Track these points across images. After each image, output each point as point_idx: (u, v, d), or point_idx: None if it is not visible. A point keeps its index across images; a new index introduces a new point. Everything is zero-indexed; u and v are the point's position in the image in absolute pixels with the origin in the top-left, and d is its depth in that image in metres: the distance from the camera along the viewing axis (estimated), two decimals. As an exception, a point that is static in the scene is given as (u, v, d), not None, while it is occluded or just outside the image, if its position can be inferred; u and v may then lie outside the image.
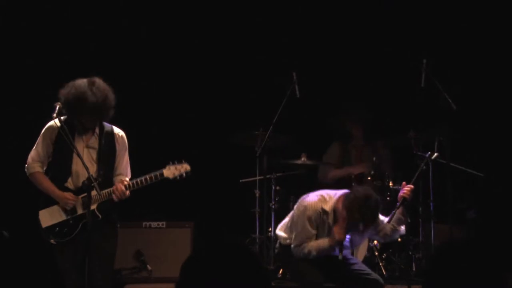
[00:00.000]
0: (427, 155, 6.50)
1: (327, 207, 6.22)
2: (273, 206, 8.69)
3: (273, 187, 8.77)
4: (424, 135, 8.24)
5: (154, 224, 8.18)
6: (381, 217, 6.38)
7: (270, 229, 8.62)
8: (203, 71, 9.61)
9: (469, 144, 8.90)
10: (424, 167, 6.51)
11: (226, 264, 2.65)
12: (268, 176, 8.56)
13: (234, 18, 9.62)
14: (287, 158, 8.59)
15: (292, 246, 6.29)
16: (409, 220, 6.48)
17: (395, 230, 6.41)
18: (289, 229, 6.48)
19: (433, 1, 9.51)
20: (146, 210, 8.37)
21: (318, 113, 9.35)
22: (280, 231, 6.58)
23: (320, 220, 6.20)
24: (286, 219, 6.64)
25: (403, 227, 6.47)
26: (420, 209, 8.56)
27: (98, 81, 5.92)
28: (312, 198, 6.29)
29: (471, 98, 8.88)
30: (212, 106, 9.59)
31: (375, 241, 8.20)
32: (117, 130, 6.11)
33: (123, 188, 5.87)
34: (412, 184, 6.37)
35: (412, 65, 7.85)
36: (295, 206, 6.47)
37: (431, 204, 8.51)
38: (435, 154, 6.39)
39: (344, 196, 6.15)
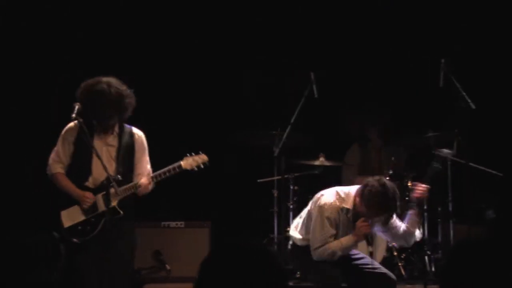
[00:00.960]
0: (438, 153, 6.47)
1: (347, 204, 6.17)
2: (291, 206, 8.70)
3: (291, 187, 8.78)
4: (443, 134, 8.23)
5: (172, 224, 8.20)
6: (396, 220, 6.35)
7: (288, 228, 8.45)
8: (222, 70, 9.60)
9: (488, 144, 8.87)
10: (439, 166, 6.44)
11: (243, 264, 2.65)
12: (286, 176, 8.55)
13: (254, 17, 9.62)
14: (305, 158, 8.62)
15: (313, 248, 6.18)
16: (420, 224, 6.41)
17: (409, 233, 6.35)
18: (304, 229, 6.41)
19: (451, 1, 9.47)
20: (165, 210, 8.41)
21: (336, 113, 9.35)
22: (294, 232, 6.53)
23: (339, 219, 6.15)
24: (299, 219, 6.59)
25: (418, 232, 6.41)
26: (439, 209, 8.57)
27: (115, 80, 6.00)
28: (328, 197, 6.23)
29: (490, 97, 8.83)
30: (230, 106, 9.59)
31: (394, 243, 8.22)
32: (136, 131, 6.19)
33: (146, 182, 5.96)
34: (426, 184, 6.31)
35: (430, 65, 7.85)
36: (311, 207, 6.39)
37: (449, 204, 8.50)
38: (446, 151, 6.35)
39: (361, 191, 6.08)
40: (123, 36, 9.43)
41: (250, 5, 9.58)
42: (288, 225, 8.54)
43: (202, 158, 6.09)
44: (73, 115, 5.83)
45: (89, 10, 9.22)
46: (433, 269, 8.34)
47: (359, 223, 6.07)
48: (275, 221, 8.60)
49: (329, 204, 6.17)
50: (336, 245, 6.08)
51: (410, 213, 6.32)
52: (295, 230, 6.53)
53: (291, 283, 7.88)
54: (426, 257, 8.40)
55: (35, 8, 8.99)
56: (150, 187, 6.02)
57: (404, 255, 8.41)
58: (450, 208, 8.50)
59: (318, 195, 6.37)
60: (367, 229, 6.07)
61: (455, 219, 8.43)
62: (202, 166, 6.08)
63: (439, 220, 8.63)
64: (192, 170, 6.06)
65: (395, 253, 8.19)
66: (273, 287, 2.66)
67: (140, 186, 5.94)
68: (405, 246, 6.79)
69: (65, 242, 5.91)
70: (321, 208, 6.18)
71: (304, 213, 6.54)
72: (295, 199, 8.74)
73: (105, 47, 9.30)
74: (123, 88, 5.99)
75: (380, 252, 8.00)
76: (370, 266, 6.29)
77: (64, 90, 8.60)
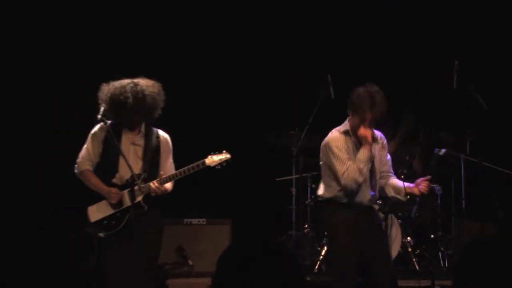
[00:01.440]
0: (435, 151, 6.49)
1: (346, 127, 6.19)
2: (308, 204, 8.82)
3: (309, 185, 8.90)
4: (456, 135, 8.35)
5: (194, 221, 8.36)
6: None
7: (305, 225, 8.78)
8: (241, 71, 9.69)
9: (500, 144, 8.96)
10: (435, 163, 6.52)
11: (260, 258, 2.73)
12: (303, 174, 8.70)
13: (272, 19, 9.72)
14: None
15: (340, 177, 6.04)
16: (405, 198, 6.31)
17: (391, 186, 6.33)
18: (325, 179, 6.28)
19: (465, 3, 9.55)
20: (187, 208, 8.47)
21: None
22: (319, 190, 6.37)
23: (346, 145, 6.13)
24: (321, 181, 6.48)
25: (392, 194, 6.36)
26: (452, 206, 8.68)
27: (145, 82, 6.07)
28: (328, 135, 6.25)
29: (502, 98, 8.93)
30: (250, 107, 9.67)
31: (409, 237, 8.35)
32: (162, 133, 6.27)
33: (157, 184, 5.99)
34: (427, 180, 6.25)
35: (444, 67, 7.93)
36: (320, 157, 6.33)
37: (463, 202, 8.61)
38: (443, 150, 6.37)
39: (349, 103, 6.17)
40: (144, 36, 9.50)
41: (274, 5, 9.69)
42: (306, 222, 8.77)
43: (225, 156, 6.16)
44: (99, 116, 5.90)
45: (89, 10, 9.26)
46: (446, 264, 8.45)
47: (360, 132, 6.08)
48: (293, 218, 8.69)
49: (331, 136, 6.19)
50: (356, 163, 6.03)
51: (408, 184, 6.26)
52: (319, 189, 6.38)
53: (308, 278, 7.98)
54: (440, 253, 8.52)
55: (35, 8, 9.01)
56: (169, 187, 6.11)
57: (418, 251, 8.51)
58: (463, 206, 8.61)
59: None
60: (368, 131, 6.06)
61: (468, 217, 8.55)
62: (225, 164, 6.15)
63: (452, 217, 8.74)
64: (215, 167, 6.12)
65: (410, 249, 8.30)
66: (290, 282, 2.71)
67: (151, 189, 6.00)
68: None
69: (91, 235, 6.09)
70: (327, 144, 6.18)
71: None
72: (312, 197, 8.82)
73: (123, 47, 9.35)
74: (151, 90, 6.05)
75: (395, 248, 8.14)
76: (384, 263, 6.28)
77: (64, 90, 8.99)
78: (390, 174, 6.38)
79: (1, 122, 8.80)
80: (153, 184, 5.99)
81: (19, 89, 9.02)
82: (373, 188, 6.23)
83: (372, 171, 6.19)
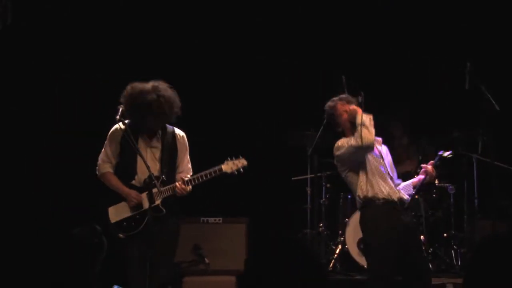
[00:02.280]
0: (440, 153, 6.57)
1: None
2: (323, 203, 8.90)
3: (324, 185, 8.97)
4: (468, 134, 8.38)
5: (211, 219, 8.37)
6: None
7: (320, 224, 8.84)
8: (257, 72, 9.70)
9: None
10: (438, 162, 6.59)
11: (285, 258, 2.74)
12: (319, 174, 8.76)
13: (286, 20, 9.73)
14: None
15: (351, 144, 6.19)
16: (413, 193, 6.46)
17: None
18: (353, 183, 6.35)
19: (478, 4, 9.55)
20: (204, 207, 8.48)
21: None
22: (357, 193, 6.32)
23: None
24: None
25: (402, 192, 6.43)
26: (465, 205, 8.71)
27: (163, 84, 6.08)
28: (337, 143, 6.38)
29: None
30: (266, 107, 9.68)
31: (422, 236, 8.27)
32: (178, 131, 6.31)
33: (183, 185, 6.07)
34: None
35: (456, 68, 7.92)
36: (339, 168, 6.45)
37: (475, 200, 8.64)
38: (447, 153, 6.45)
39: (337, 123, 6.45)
40: (176, 39, 9.52)
41: (287, 5, 9.70)
42: (321, 221, 8.81)
43: (242, 162, 6.23)
44: (117, 117, 5.94)
45: (89, 10, 9.23)
46: (459, 263, 8.48)
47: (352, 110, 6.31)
48: (308, 217, 8.72)
49: (340, 141, 6.34)
50: (358, 129, 6.17)
51: (415, 178, 6.47)
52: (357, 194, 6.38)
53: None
54: (453, 252, 8.58)
55: (35, 8, 8.98)
56: (188, 189, 6.14)
57: (431, 249, 8.56)
58: (476, 205, 8.64)
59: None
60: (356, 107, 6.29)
61: (480, 215, 8.59)
62: (241, 170, 6.23)
63: (465, 216, 8.76)
64: (232, 173, 6.21)
65: (423, 247, 8.25)
66: (312, 279, 2.74)
67: (177, 189, 6.08)
68: None
69: (110, 236, 5.95)
70: (336, 148, 6.34)
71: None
72: (327, 196, 8.95)
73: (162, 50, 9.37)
74: (171, 92, 6.08)
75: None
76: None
77: (64, 90, 8.99)
78: (398, 182, 6.47)
79: (1, 122, 8.78)
80: (179, 184, 6.05)
81: (19, 89, 9.01)
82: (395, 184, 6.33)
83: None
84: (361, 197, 6.26)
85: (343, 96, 6.47)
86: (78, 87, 9.15)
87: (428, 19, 9.67)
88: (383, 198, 6.19)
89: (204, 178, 6.13)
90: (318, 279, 2.79)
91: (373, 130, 6.18)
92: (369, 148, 6.18)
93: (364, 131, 6.12)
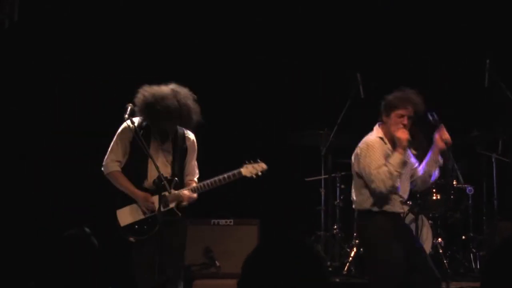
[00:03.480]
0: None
1: (378, 135, 6.09)
2: (337, 204, 8.80)
3: (338, 186, 8.87)
4: (487, 134, 8.29)
5: (222, 221, 8.31)
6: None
7: (335, 226, 8.73)
8: (271, 72, 9.64)
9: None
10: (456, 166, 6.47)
11: (286, 260, 2.64)
12: (333, 175, 8.67)
13: (300, 19, 9.66)
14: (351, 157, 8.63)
15: (370, 180, 5.92)
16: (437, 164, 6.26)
17: (428, 172, 6.26)
18: (357, 188, 6.19)
19: (497, 1, 9.45)
20: (215, 209, 8.42)
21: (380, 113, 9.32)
22: (353, 196, 6.29)
23: (381, 148, 6.03)
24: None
25: (437, 171, 6.30)
26: (484, 207, 8.59)
27: (182, 89, 5.99)
28: (363, 141, 6.13)
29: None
30: (279, 106, 9.62)
31: (439, 239, 8.24)
32: (188, 133, 6.21)
33: (187, 195, 5.99)
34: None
35: (475, 65, 7.84)
36: (353, 165, 6.21)
37: (495, 201, 8.51)
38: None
39: (382, 107, 6.12)
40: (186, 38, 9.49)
41: (299, 5, 9.62)
42: (335, 222, 8.71)
43: (261, 166, 6.13)
44: (126, 116, 5.83)
45: (89, 10, 9.23)
46: (478, 266, 8.34)
47: (398, 134, 5.94)
48: (322, 219, 8.64)
49: (368, 140, 6.07)
50: (388, 167, 5.88)
51: (429, 153, 6.24)
52: (353, 194, 6.30)
53: (337, 279, 7.97)
54: (471, 255, 8.44)
55: (35, 8, 8.87)
56: (195, 195, 6.06)
57: (449, 252, 8.44)
58: (495, 206, 8.51)
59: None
60: (405, 134, 5.94)
61: (500, 216, 8.47)
62: (260, 174, 6.14)
63: (484, 218, 8.64)
64: (251, 177, 6.13)
65: (441, 251, 8.20)
66: (316, 283, 2.64)
67: (183, 198, 5.99)
68: (426, 186, 6.54)
69: (122, 239, 6.00)
70: (362, 148, 6.06)
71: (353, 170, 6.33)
72: (341, 197, 8.82)
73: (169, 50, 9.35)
74: (191, 103, 6.00)
75: (426, 250, 7.97)
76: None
77: (64, 90, 9.00)
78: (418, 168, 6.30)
79: (1, 122, 8.78)
80: (188, 192, 5.99)
81: (19, 89, 9.02)
82: (402, 193, 6.14)
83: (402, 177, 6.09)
84: (354, 202, 6.21)
85: (407, 98, 6.05)
86: (78, 87, 9.16)
87: (446, 15, 9.55)
88: (376, 211, 6.07)
89: (223, 181, 6.06)
90: (319, 283, 2.65)
91: (397, 175, 5.92)
92: (377, 191, 5.96)
93: (384, 179, 5.88)
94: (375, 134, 6.10)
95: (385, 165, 5.88)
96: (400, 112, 5.97)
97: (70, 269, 3.30)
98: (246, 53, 9.63)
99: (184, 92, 5.98)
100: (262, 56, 9.65)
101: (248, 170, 6.09)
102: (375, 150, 5.99)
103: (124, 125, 6.00)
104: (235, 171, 6.06)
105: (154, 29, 9.45)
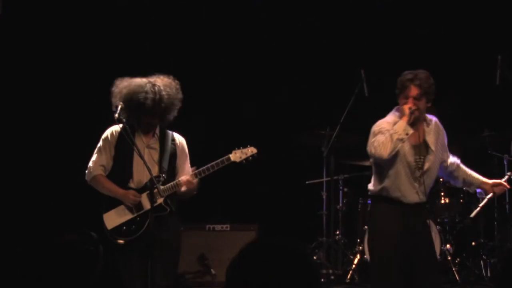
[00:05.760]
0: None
1: (394, 116, 5.97)
2: (340, 209, 8.70)
3: (341, 189, 8.79)
4: (499, 134, 8.21)
5: (218, 227, 8.27)
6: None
7: (337, 232, 8.69)
8: (270, 71, 9.56)
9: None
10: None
11: (271, 265, 2.55)
12: (335, 177, 8.60)
13: (303, 17, 9.58)
14: (355, 158, 8.52)
15: (370, 141, 5.86)
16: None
17: (458, 178, 6.20)
18: (375, 176, 6.12)
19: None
20: (210, 213, 8.43)
21: (387, 112, 9.24)
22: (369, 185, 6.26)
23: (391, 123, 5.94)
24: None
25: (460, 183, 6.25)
26: (495, 211, 8.46)
27: (160, 80, 5.91)
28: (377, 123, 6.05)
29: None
30: (278, 105, 9.56)
31: (448, 245, 8.17)
32: (177, 136, 6.16)
33: (188, 178, 5.90)
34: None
35: (486, 63, 7.79)
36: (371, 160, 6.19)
37: (506, 206, 8.44)
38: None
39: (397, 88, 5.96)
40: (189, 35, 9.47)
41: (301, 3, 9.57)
42: (338, 228, 8.65)
43: (251, 150, 6.11)
44: (116, 116, 5.70)
45: (90, 10, 9.22)
46: (489, 274, 8.22)
47: (403, 107, 5.86)
48: (324, 224, 8.56)
49: (381, 120, 5.99)
50: (391, 131, 5.78)
51: (480, 181, 6.17)
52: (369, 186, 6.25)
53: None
54: (482, 262, 8.32)
55: (35, 8, 8.99)
56: (195, 182, 5.96)
57: (458, 259, 8.34)
58: (507, 211, 8.43)
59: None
60: (407, 105, 5.81)
61: (512, 222, 8.41)
62: (250, 158, 6.09)
63: (495, 223, 8.51)
64: (240, 162, 6.08)
65: (449, 258, 8.10)
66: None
67: (180, 182, 5.90)
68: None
69: (107, 243, 5.84)
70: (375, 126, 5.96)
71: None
72: (344, 201, 8.75)
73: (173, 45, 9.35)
74: (169, 91, 5.90)
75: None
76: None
77: (64, 90, 9.01)
78: (457, 161, 6.20)
79: (1, 122, 8.76)
80: (185, 177, 5.90)
81: (19, 89, 8.99)
82: (420, 184, 5.94)
83: (418, 162, 5.93)
84: (369, 188, 6.15)
85: (414, 76, 5.91)
86: (78, 87, 9.11)
87: (456, 12, 9.42)
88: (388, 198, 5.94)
89: (211, 169, 5.98)
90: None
91: (397, 141, 5.76)
92: (378, 160, 5.87)
93: (384, 141, 5.75)
94: (391, 116, 6.01)
95: (388, 130, 5.80)
96: (405, 94, 5.88)
97: (75, 278, 3.23)
98: (246, 53, 9.57)
99: (161, 81, 5.90)
100: (261, 56, 9.57)
101: (237, 155, 6.07)
102: (383, 122, 5.94)
103: (110, 129, 5.99)
104: (224, 158, 6.03)
105: (155, 28, 9.47)
